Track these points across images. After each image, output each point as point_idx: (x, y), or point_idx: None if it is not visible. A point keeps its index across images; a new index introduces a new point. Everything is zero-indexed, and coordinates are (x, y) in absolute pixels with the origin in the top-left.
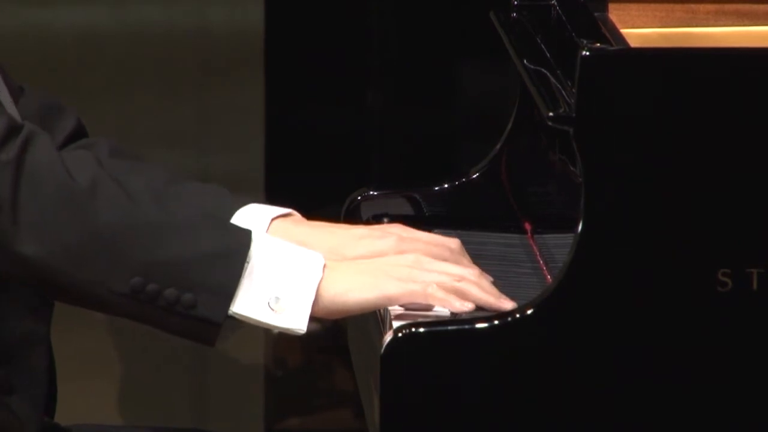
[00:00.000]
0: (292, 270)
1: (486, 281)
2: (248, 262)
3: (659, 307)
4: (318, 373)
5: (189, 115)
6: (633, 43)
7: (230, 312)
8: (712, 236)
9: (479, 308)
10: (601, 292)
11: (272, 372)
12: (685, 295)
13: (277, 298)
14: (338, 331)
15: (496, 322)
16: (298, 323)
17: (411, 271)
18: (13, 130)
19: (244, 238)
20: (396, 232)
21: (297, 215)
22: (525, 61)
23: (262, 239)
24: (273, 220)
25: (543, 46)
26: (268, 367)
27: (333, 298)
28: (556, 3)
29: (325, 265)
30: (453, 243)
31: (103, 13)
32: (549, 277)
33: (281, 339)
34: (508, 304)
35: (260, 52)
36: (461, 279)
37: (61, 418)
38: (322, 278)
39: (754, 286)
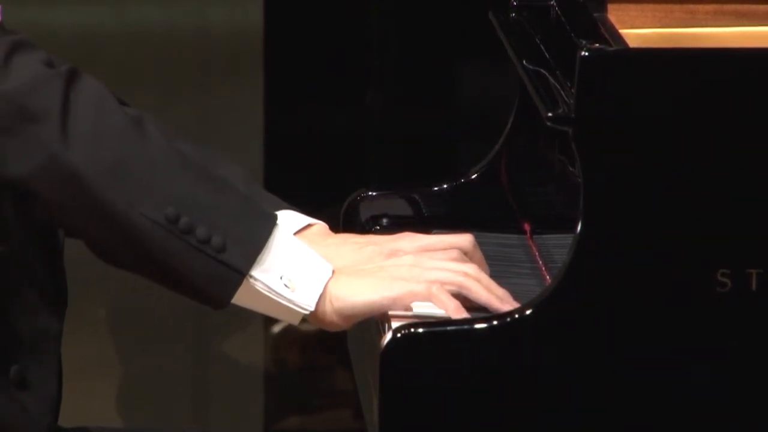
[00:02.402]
0: (306, 261)
1: (486, 277)
2: (272, 237)
3: (658, 308)
4: (317, 374)
5: (189, 115)
6: (632, 44)
7: (251, 272)
8: (711, 237)
9: (481, 308)
10: (600, 293)
11: (272, 372)
12: (685, 296)
13: (290, 279)
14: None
15: (495, 322)
16: (309, 301)
17: (412, 269)
18: (55, 61)
19: (273, 215)
20: (409, 248)
21: (320, 226)
22: (524, 62)
23: (283, 229)
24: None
25: (542, 47)
26: (268, 368)
27: (343, 299)
28: (555, 3)
29: (334, 271)
30: (465, 242)
31: (103, 13)
32: (548, 277)
33: (281, 339)
34: (507, 306)
35: (260, 52)
36: (464, 275)
37: (61, 419)
38: (330, 278)
39: (753, 286)
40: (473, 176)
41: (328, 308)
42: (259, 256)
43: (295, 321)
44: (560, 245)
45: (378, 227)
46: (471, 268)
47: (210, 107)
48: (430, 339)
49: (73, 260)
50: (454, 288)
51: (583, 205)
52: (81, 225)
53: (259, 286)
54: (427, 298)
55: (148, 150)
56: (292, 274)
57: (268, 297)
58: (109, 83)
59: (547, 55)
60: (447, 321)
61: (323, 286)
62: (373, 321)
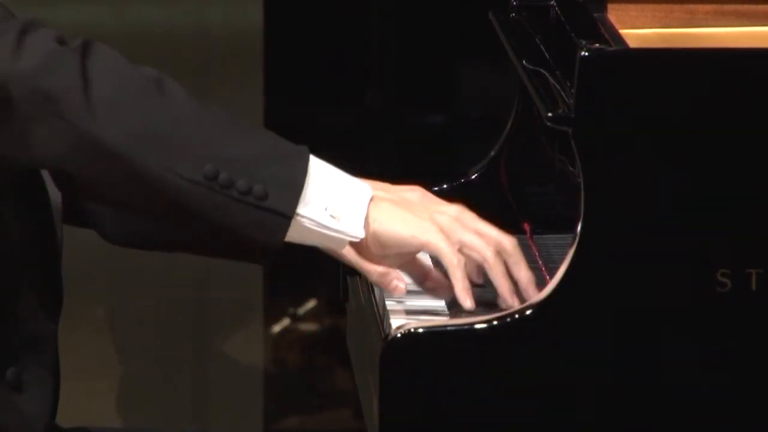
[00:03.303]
0: (345, 187)
1: (518, 256)
2: (309, 171)
3: (658, 308)
4: (317, 374)
5: None
6: (632, 44)
7: (297, 211)
8: (711, 237)
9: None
10: (600, 293)
11: (272, 372)
12: (685, 296)
13: (334, 208)
14: (337, 331)
15: (495, 322)
16: (357, 230)
17: (452, 222)
18: (66, 37)
19: (303, 148)
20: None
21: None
22: (524, 62)
23: (315, 159)
24: None
25: (542, 47)
26: (268, 368)
27: (379, 223)
28: (555, 3)
29: (372, 190)
30: (508, 241)
31: (103, 13)
32: (548, 277)
33: (281, 339)
34: (515, 302)
35: (260, 52)
36: (497, 246)
37: (61, 419)
38: (372, 199)
39: (753, 286)
40: (473, 176)
41: (367, 230)
42: (302, 194)
43: (342, 248)
44: (560, 245)
45: None
46: (508, 241)
47: None
48: (430, 339)
49: (73, 260)
50: (479, 258)
51: (583, 205)
52: (121, 197)
53: (306, 223)
54: (448, 263)
55: (175, 110)
56: (335, 202)
57: (317, 231)
58: None
59: (547, 56)
60: (447, 321)
61: (366, 210)
62: (373, 321)
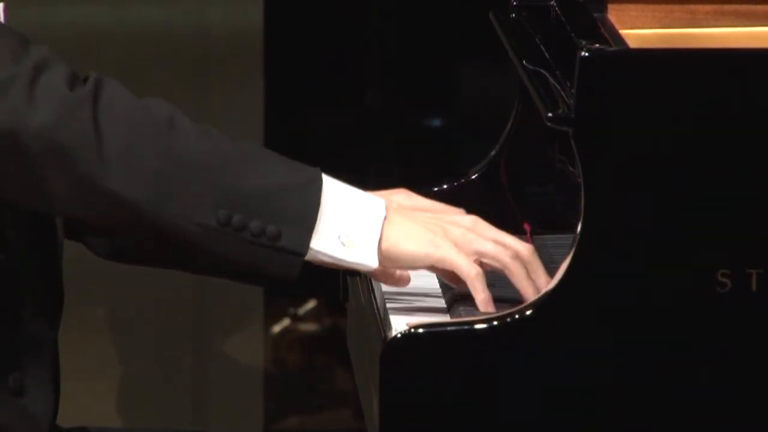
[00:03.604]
0: (358, 208)
1: (537, 262)
2: (322, 202)
3: (658, 308)
4: (317, 374)
5: (188, 115)
6: (632, 44)
7: (310, 246)
8: (711, 237)
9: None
10: (600, 293)
11: (272, 372)
12: (685, 296)
13: (347, 234)
14: (337, 332)
15: (495, 323)
16: (370, 259)
17: (466, 234)
18: (78, 75)
19: (316, 172)
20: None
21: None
22: (524, 62)
23: (328, 178)
24: None
25: (542, 47)
26: (268, 368)
27: (392, 242)
28: (555, 3)
29: (387, 207)
30: (526, 249)
31: (102, 13)
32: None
33: (281, 339)
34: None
35: (260, 52)
36: (515, 255)
37: (61, 419)
38: (386, 217)
39: (754, 286)
40: (473, 176)
41: (381, 253)
42: (314, 229)
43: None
44: (560, 245)
45: None
46: (525, 248)
47: (210, 107)
48: (430, 339)
49: (73, 261)
50: (499, 265)
51: (582, 205)
52: (133, 241)
53: (319, 256)
54: (466, 277)
55: (186, 155)
56: (348, 228)
57: (330, 260)
58: None
59: (547, 56)
60: (447, 321)
61: (379, 235)
62: (373, 321)
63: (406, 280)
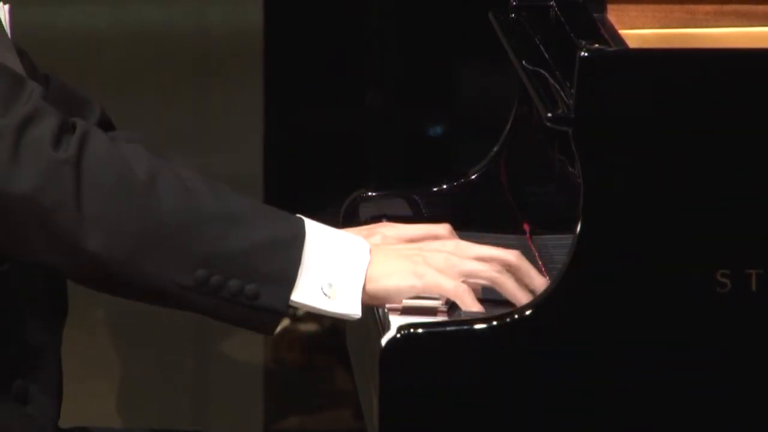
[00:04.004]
0: (342, 255)
1: (527, 265)
2: (303, 256)
3: (658, 308)
4: (317, 374)
5: (188, 115)
6: (632, 44)
7: (289, 301)
8: (711, 237)
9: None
10: (599, 293)
11: (272, 372)
12: (684, 296)
13: (330, 284)
14: (337, 332)
15: (494, 323)
16: (352, 308)
17: (449, 259)
18: (66, 127)
19: (298, 225)
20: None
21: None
22: (524, 62)
23: (311, 226)
24: None
25: (542, 47)
26: (268, 368)
27: (376, 282)
28: (554, 4)
29: (370, 250)
30: (512, 256)
31: (102, 13)
32: (548, 277)
33: (281, 339)
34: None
35: (259, 52)
36: (501, 267)
37: (61, 419)
38: (369, 262)
39: (753, 287)
40: (473, 176)
41: (366, 294)
42: (294, 286)
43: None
44: (560, 245)
45: None
46: (511, 255)
47: (210, 107)
48: (430, 339)
49: None
50: (487, 283)
51: (582, 206)
52: (114, 293)
53: (301, 307)
54: (453, 297)
55: (166, 217)
56: (331, 278)
57: (314, 308)
58: (108, 83)
59: (547, 56)
60: (446, 321)
61: (363, 281)
62: (373, 321)
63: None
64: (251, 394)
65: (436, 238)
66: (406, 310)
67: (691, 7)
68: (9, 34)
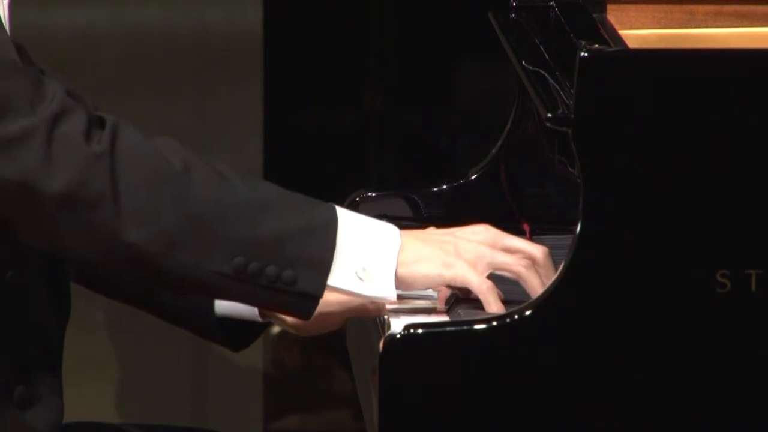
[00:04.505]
0: (374, 240)
1: (550, 264)
2: (337, 242)
3: (658, 309)
4: (317, 375)
5: (188, 115)
6: (631, 45)
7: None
8: (710, 237)
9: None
10: (599, 294)
11: (271, 373)
12: (684, 296)
13: (364, 269)
14: (336, 332)
15: (494, 323)
16: (387, 291)
17: (479, 249)
18: (94, 121)
19: (331, 211)
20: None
21: None
22: (524, 62)
23: (343, 212)
24: None
25: (542, 48)
26: (267, 369)
27: (407, 267)
28: (554, 4)
29: (401, 234)
30: (539, 252)
31: (102, 14)
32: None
33: (280, 340)
34: None
35: (259, 53)
36: (529, 262)
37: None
38: (400, 246)
39: (753, 287)
40: (472, 177)
41: (397, 278)
42: (330, 271)
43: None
44: (559, 246)
45: None
46: (540, 252)
47: (209, 107)
48: (430, 339)
49: None
50: (513, 276)
51: (582, 206)
52: (154, 285)
53: (336, 292)
54: (478, 292)
55: (202, 206)
56: (365, 263)
57: (350, 292)
58: (108, 83)
59: (547, 56)
60: (446, 322)
61: (395, 265)
62: (373, 322)
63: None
64: (251, 394)
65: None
66: (407, 311)
67: (691, 7)
68: (8, 30)
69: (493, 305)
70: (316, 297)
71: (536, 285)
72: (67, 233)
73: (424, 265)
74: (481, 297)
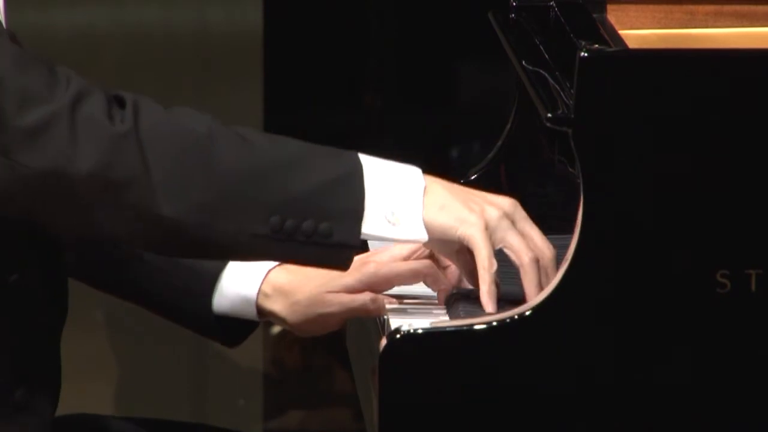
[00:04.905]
0: (398, 183)
1: (554, 268)
2: (366, 190)
3: (658, 309)
4: (317, 374)
5: None
6: (631, 45)
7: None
8: (710, 237)
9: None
10: (599, 293)
11: (271, 373)
12: (684, 297)
13: (393, 212)
14: (337, 332)
15: (494, 323)
16: (418, 233)
17: (501, 220)
18: (112, 100)
19: (355, 159)
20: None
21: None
22: (524, 63)
23: (365, 158)
24: (270, 271)
25: (541, 48)
26: (267, 368)
27: (428, 211)
28: (554, 4)
29: (425, 177)
30: (549, 251)
31: (102, 14)
32: None
33: (280, 340)
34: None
35: (259, 53)
36: (536, 256)
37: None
38: (425, 187)
39: (753, 287)
40: (473, 177)
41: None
42: (363, 219)
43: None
44: (559, 246)
45: None
46: (549, 253)
47: (209, 107)
48: (430, 339)
49: None
50: (516, 261)
51: (582, 206)
52: (192, 256)
53: (370, 239)
54: (480, 264)
55: (232, 170)
56: (393, 206)
57: (383, 237)
58: (108, 84)
59: (547, 56)
60: (446, 322)
61: (422, 207)
62: (373, 321)
63: (381, 309)
64: (250, 394)
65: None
66: (407, 312)
67: (691, 7)
68: (4, 21)
69: (487, 284)
70: (353, 246)
71: (533, 281)
72: (103, 215)
73: (445, 214)
74: (480, 272)
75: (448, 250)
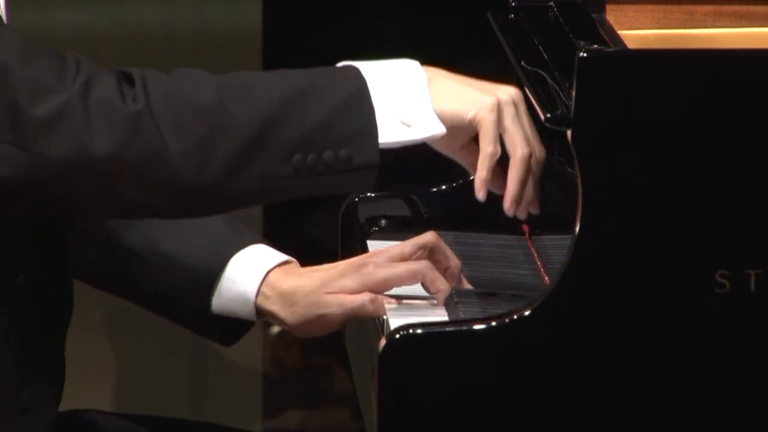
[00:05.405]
0: (402, 84)
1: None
2: (375, 104)
3: (657, 309)
4: (316, 374)
5: None
6: (630, 45)
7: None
8: (709, 237)
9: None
10: (598, 294)
11: (270, 373)
12: (683, 297)
13: (405, 114)
14: (336, 333)
15: (493, 323)
16: (435, 127)
17: (509, 105)
18: (121, 79)
19: (358, 75)
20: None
21: (294, 263)
22: (523, 63)
23: (365, 68)
24: (269, 272)
25: (541, 48)
26: (267, 368)
27: (437, 100)
28: (553, 4)
29: (425, 68)
30: (541, 154)
31: (102, 14)
32: (546, 278)
33: (279, 340)
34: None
35: (258, 53)
36: (530, 155)
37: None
38: (429, 78)
39: (752, 287)
40: (471, 177)
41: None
42: (378, 134)
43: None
44: (558, 246)
45: (376, 228)
46: (540, 155)
47: None
48: (429, 339)
49: None
50: (510, 150)
51: (581, 206)
52: (223, 212)
53: (389, 146)
54: (483, 148)
55: (246, 123)
56: (403, 108)
57: (403, 142)
58: None
59: (546, 56)
60: (445, 322)
61: (430, 101)
62: (372, 322)
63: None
64: (250, 394)
65: (424, 247)
66: (407, 311)
67: (690, 7)
68: (5, 17)
69: (485, 170)
70: (374, 165)
71: (518, 175)
72: (131, 194)
73: (454, 101)
74: (482, 155)
75: (454, 145)
